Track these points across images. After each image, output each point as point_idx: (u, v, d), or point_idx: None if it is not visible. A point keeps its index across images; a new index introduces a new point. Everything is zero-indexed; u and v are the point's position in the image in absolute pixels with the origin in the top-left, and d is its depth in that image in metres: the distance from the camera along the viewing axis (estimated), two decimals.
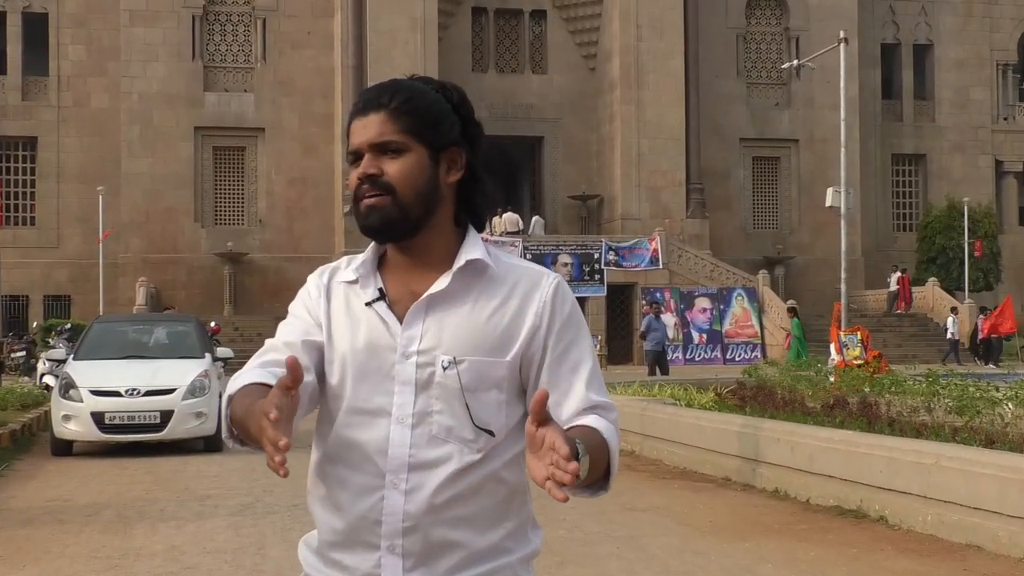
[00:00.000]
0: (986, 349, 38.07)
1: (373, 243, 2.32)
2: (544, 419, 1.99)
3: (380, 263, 2.31)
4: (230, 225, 44.84)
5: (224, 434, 2.25)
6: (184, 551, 8.73)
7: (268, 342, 2.29)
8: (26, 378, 28.35)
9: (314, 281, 2.34)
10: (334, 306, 2.29)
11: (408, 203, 2.22)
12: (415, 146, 2.23)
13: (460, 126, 2.29)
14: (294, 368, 2.00)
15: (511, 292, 2.25)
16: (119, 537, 9.39)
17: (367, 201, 2.22)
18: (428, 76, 2.36)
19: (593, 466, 2.11)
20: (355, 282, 2.28)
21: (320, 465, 2.28)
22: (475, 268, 2.25)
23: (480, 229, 2.34)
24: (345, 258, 2.37)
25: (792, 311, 31.42)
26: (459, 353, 2.21)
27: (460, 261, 2.24)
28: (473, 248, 2.27)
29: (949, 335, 39.15)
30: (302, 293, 2.34)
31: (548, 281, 2.28)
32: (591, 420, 2.19)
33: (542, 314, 2.24)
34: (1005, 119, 53.74)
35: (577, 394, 2.24)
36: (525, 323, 2.24)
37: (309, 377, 2.22)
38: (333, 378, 2.26)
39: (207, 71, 44.80)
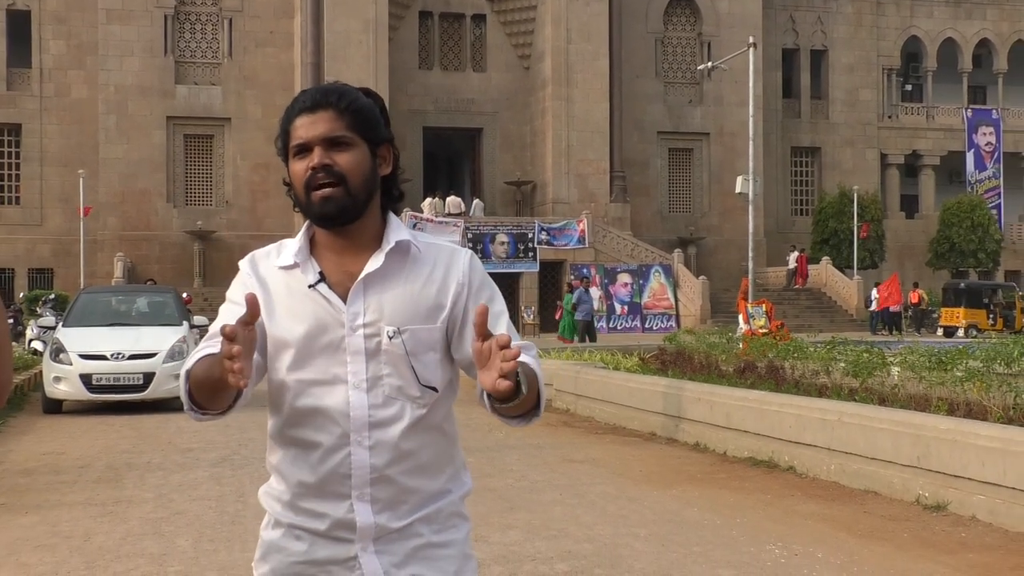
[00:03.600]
0: (889, 319, 38.77)
1: (304, 229, 2.34)
2: (487, 334, 2.08)
3: (311, 247, 2.33)
4: (199, 206, 44.27)
5: (185, 406, 2.25)
6: (172, 499, 8.68)
7: (212, 327, 2.29)
8: (15, 343, 27.85)
9: (246, 269, 2.35)
10: (274, 291, 2.30)
11: (357, 190, 2.25)
12: (359, 142, 2.27)
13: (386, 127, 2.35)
14: (252, 304, 2.05)
15: (434, 268, 2.32)
16: (111, 487, 9.32)
17: (322, 192, 2.24)
18: (348, 84, 2.37)
19: (529, 389, 2.18)
20: (293, 267, 2.30)
21: (282, 431, 2.31)
22: (401, 248, 2.30)
23: (397, 215, 2.39)
24: (272, 246, 2.38)
25: (569, 286, 31.34)
26: (400, 323, 2.26)
27: (390, 243, 2.29)
28: (399, 231, 2.32)
29: (873, 308, 39.65)
30: (238, 280, 2.36)
31: (464, 256, 2.36)
32: (520, 357, 2.24)
33: (463, 282, 2.32)
34: (889, 117, 54.42)
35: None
36: (450, 292, 2.31)
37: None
38: (286, 355, 2.28)
39: (178, 66, 44.12)
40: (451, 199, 41.92)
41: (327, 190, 2.23)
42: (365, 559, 2.25)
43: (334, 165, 2.24)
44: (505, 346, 2.04)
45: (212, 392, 2.17)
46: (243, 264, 2.37)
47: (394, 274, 2.28)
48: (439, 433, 2.33)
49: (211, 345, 2.24)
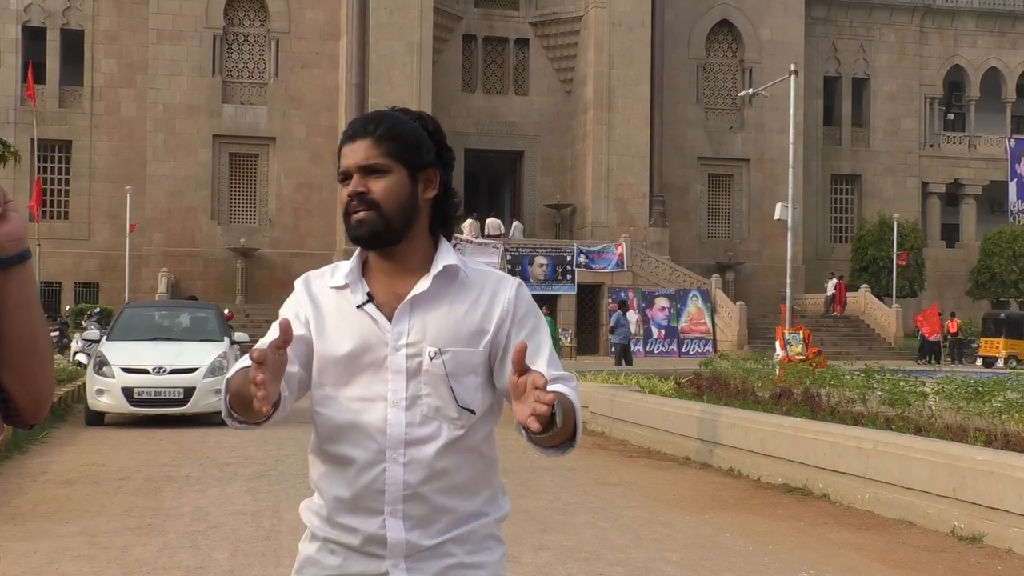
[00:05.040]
0: (928, 349, 38.41)
1: (357, 252, 2.39)
2: (524, 369, 2.09)
3: (363, 270, 2.37)
4: (243, 223, 44.66)
5: (224, 413, 2.32)
6: (209, 512, 8.74)
7: (261, 340, 2.33)
8: (59, 355, 28.17)
9: (300, 287, 2.41)
10: (325, 310, 2.35)
11: (391, 216, 2.29)
12: (396, 168, 2.30)
13: (435, 151, 2.37)
14: (285, 329, 2.09)
15: (480, 293, 2.34)
16: (150, 499, 9.40)
17: (356, 216, 2.29)
18: (407, 108, 2.42)
19: (564, 421, 2.18)
20: (344, 287, 2.34)
21: (322, 445, 2.35)
22: (449, 273, 2.33)
23: (449, 239, 2.41)
24: (327, 267, 2.43)
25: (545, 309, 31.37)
26: (442, 345, 2.29)
27: (438, 267, 2.32)
28: (447, 255, 2.34)
29: (921, 336, 39.31)
30: (291, 298, 2.41)
31: (510, 284, 2.38)
32: (557, 387, 2.25)
33: (507, 310, 2.34)
34: (931, 146, 54.03)
35: (541, 370, 2.29)
36: (494, 318, 2.33)
37: (294, 369, 2.30)
38: (331, 371, 2.32)
39: (225, 85, 44.62)
40: (491, 220, 42.04)
41: (361, 214, 2.28)
42: (396, 575, 2.27)
43: (368, 192, 2.29)
44: (542, 387, 2.05)
45: (245, 405, 2.21)
46: (298, 283, 2.43)
47: (440, 297, 2.31)
48: (477, 455, 2.35)
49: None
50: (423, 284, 2.30)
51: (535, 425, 2.04)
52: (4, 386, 1.87)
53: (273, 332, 2.33)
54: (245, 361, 2.28)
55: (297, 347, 2.29)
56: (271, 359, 2.07)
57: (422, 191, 2.34)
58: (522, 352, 2.09)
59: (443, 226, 2.40)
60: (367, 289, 2.33)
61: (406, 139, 2.32)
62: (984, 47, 54.41)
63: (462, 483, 2.32)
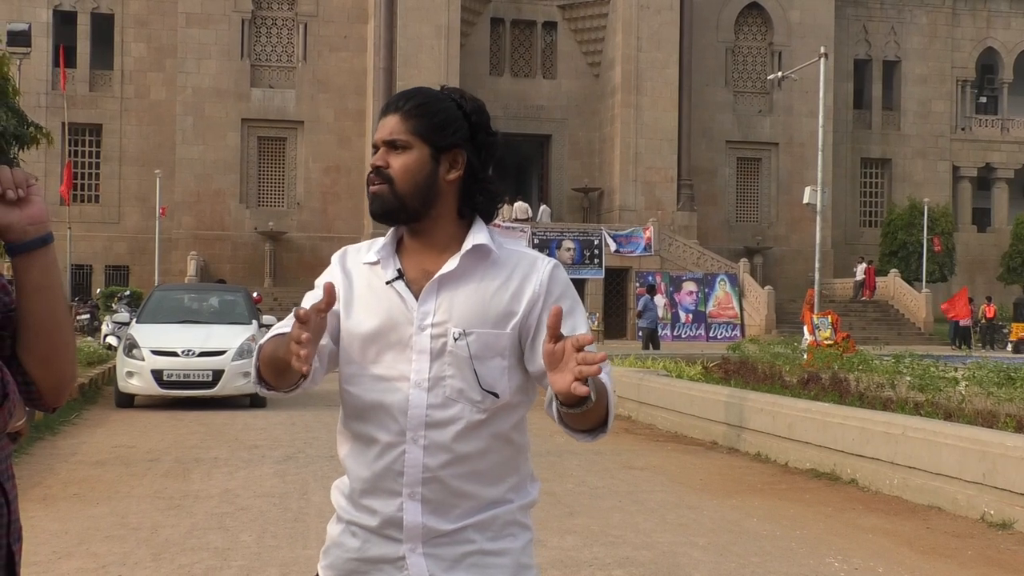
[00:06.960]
0: (959, 334, 38.16)
1: (392, 230, 2.36)
2: (559, 336, 2.03)
3: (398, 247, 2.35)
4: (271, 207, 44.83)
5: (253, 378, 2.32)
6: (237, 494, 8.78)
7: (278, 324, 2.33)
8: (90, 338, 28.40)
9: (336, 261, 2.39)
10: (357, 285, 2.33)
11: (404, 193, 2.26)
12: (418, 145, 2.27)
13: (468, 132, 2.31)
14: (329, 292, 2.07)
15: (512, 273, 2.29)
16: (179, 480, 9.46)
17: (372, 188, 2.29)
18: (455, 87, 2.38)
19: (597, 404, 2.14)
20: (376, 263, 2.32)
21: (347, 424, 2.33)
22: (480, 252, 2.28)
23: (488, 221, 2.36)
24: (366, 242, 2.41)
25: None
26: (468, 326, 2.24)
27: (467, 246, 2.28)
28: (479, 235, 2.30)
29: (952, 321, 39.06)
30: (327, 271, 2.39)
31: (544, 264, 2.32)
32: None
33: (539, 292, 2.28)
34: (963, 129, 53.51)
35: None
36: (523, 299, 2.28)
37: (324, 341, 2.26)
38: (357, 348, 2.29)
39: (254, 69, 44.74)
40: (518, 204, 41.99)
41: (376, 187, 2.28)
42: (412, 560, 2.24)
43: (385, 167, 2.27)
44: (582, 347, 1.99)
45: (277, 371, 2.21)
46: (335, 257, 2.41)
47: (468, 276, 2.28)
48: (504, 442, 2.30)
49: (286, 324, 2.28)
50: (451, 263, 2.27)
51: (581, 390, 1.97)
52: (26, 370, 1.87)
53: (307, 302, 2.33)
54: (277, 329, 2.29)
55: (329, 320, 2.26)
56: (314, 319, 2.04)
57: (444, 172, 2.30)
58: (557, 316, 2.02)
59: (472, 209, 2.35)
60: (398, 265, 2.31)
61: (433, 117, 2.29)
62: (1018, 29, 53.76)
63: (485, 469, 2.27)
